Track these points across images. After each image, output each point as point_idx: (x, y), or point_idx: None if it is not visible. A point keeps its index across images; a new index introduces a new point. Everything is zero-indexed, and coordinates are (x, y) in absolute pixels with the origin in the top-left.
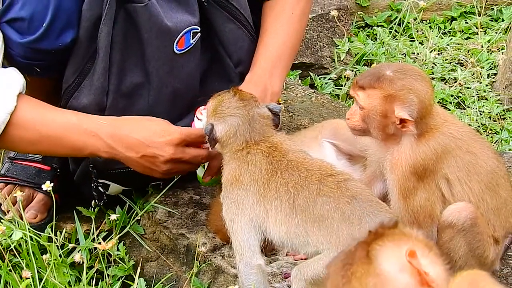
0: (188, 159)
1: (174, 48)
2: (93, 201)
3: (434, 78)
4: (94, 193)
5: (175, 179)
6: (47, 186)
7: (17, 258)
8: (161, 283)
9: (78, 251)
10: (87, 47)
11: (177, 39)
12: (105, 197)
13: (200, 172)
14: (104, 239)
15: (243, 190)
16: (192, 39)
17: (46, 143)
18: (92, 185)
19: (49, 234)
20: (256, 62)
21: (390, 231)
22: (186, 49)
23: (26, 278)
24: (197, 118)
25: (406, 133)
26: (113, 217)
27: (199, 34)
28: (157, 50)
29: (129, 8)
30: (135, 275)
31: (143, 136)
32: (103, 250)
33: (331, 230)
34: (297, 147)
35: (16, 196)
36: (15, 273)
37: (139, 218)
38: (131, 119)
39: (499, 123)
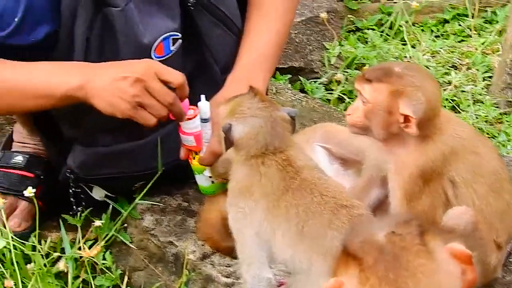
0: (158, 90)
1: (152, 55)
2: (73, 207)
3: None
4: (72, 199)
5: (158, 174)
6: (29, 192)
7: (1, 268)
8: None
9: (64, 260)
10: (67, 49)
11: (154, 45)
12: (83, 203)
13: (200, 180)
14: (90, 247)
15: (253, 202)
16: (173, 45)
17: (14, 95)
18: (70, 190)
19: (33, 243)
20: (239, 61)
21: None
22: (167, 56)
23: None
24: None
25: (409, 134)
26: (97, 223)
27: (180, 41)
28: (132, 57)
29: (107, 12)
30: (123, 285)
31: (120, 62)
32: (89, 259)
33: None
34: (313, 163)
35: None
36: None
37: (126, 225)
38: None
39: (495, 127)
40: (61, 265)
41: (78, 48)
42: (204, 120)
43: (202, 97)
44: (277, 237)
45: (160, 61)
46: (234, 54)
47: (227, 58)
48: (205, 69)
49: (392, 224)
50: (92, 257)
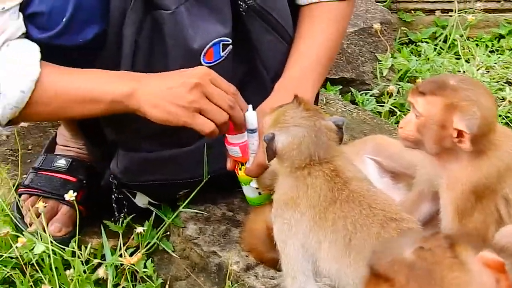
0: (217, 94)
1: (202, 61)
2: (115, 213)
3: None
4: (114, 205)
5: (203, 181)
6: (70, 196)
7: (39, 273)
8: None
9: (104, 267)
10: (114, 51)
11: (204, 50)
12: (125, 210)
13: (247, 191)
14: (131, 255)
15: (298, 214)
16: (223, 51)
17: (62, 100)
18: (113, 196)
19: (73, 248)
20: (288, 69)
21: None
22: (216, 62)
23: None
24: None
25: (462, 149)
26: (139, 229)
27: (230, 47)
28: (181, 61)
29: (156, 15)
30: None
31: (171, 72)
32: (129, 266)
33: None
34: (362, 174)
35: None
36: None
37: (168, 233)
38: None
39: None
40: (101, 272)
41: (126, 49)
42: (250, 131)
43: (249, 107)
44: (323, 250)
45: (209, 66)
46: (285, 62)
47: (278, 65)
48: (255, 76)
49: (418, 240)
50: (133, 264)
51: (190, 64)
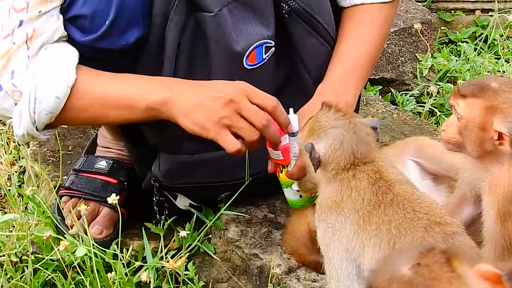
0: (250, 111)
1: (244, 63)
2: (156, 215)
3: None
4: (155, 207)
5: (245, 184)
6: (113, 199)
7: (81, 275)
8: None
9: (145, 270)
10: (157, 53)
11: (247, 53)
12: (166, 212)
13: (288, 194)
14: (172, 257)
15: (342, 217)
16: (265, 53)
17: (97, 106)
18: (154, 198)
19: (114, 251)
20: (330, 71)
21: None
22: (259, 64)
23: None
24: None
25: (503, 152)
26: (182, 233)
27: (273, 49)
28: (224, 64)
29: (199, 17)
30: None
31: (209, 82)
32: (171, 269)
33: None
34: (404, 177)
35: (80, 210)
36: None
37: (209, 236)
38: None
39: None
40: (143, 275)
41: (168, 51)
42: (292, 134)
43: (291, 110)
44: (367, 254)
45: (252, 69)
46: (327, 65)
47: (320, 69)
48: (297, 79)
49: (415, 256)
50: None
51: (233, 66)
